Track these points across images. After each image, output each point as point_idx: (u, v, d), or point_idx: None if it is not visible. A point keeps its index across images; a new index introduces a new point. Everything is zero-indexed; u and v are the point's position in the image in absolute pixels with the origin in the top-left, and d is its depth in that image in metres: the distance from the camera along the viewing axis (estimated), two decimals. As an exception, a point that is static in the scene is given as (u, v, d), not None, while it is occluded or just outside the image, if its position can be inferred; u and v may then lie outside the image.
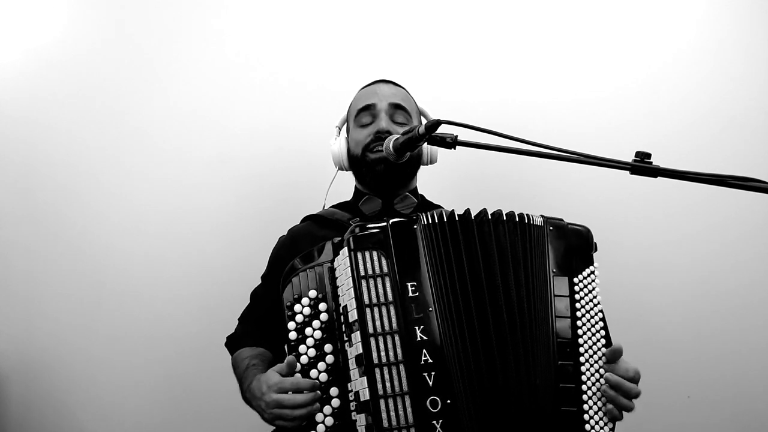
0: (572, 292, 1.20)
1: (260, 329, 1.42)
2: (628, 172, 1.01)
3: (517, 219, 1.19)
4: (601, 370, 1.17)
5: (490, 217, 1.18)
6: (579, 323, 1.18)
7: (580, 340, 1.17)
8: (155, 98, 1.97)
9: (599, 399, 1.16)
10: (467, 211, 1.17)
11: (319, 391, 1.11)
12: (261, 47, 2.00)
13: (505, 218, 1.18)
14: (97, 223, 1.92)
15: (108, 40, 1.99)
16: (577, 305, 1.19)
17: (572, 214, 2.00)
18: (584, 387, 1.15)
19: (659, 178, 1.01)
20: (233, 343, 1.45)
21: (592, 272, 1.23)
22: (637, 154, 1.01)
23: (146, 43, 1.99)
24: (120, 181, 1.94)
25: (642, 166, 1.00)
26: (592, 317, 1.20)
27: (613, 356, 1.18)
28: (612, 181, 1.89)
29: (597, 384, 1.16)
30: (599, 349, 1.19)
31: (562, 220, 1.26)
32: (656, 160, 1.00)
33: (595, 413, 1.15)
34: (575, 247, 1.23)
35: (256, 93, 1.98)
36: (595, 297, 1.22)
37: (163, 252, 1.92)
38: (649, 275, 1.93)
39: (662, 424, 1.87)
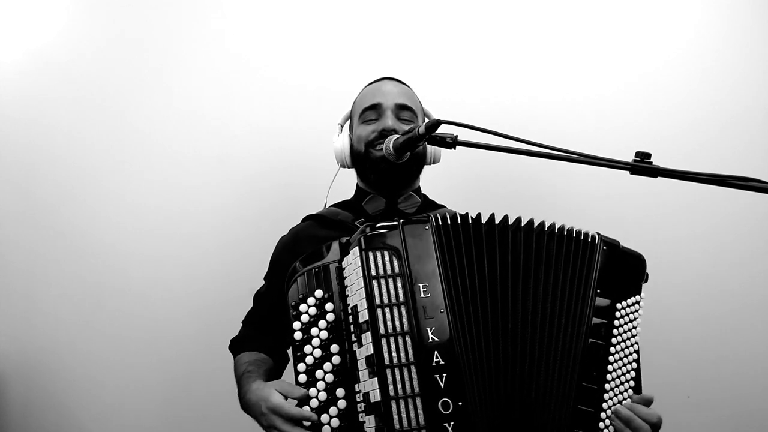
0: (612, 317, 1.16)
1: (262, 332, 1.41)
2: (628, 172, 1.00)
3: (560, 230, 1.17)
4: (626, 402, 1.15)
5: (523, 224, 1.16)
6: (612, 350, 1.15)
7: (610, 367, 1.15)
8: (155, 98, 1.97)
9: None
10: (492, 216, 1.16)
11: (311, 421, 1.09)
12: (261, 47, 2.00)
13: (536, 226, 1.17)
14: (97, 223, 1.92)
15: (108, 40, 1.99)
16: (615, 331, 1.16)
17: (572, 213, 2.00)
18: (603, 415, 1.13)
19: (659, 178, 1.00)
20: (235, 347, 1.44)
21: (637, 302, 1.20)
22: (637, 154, 1.01)
23: (147, 44, 1.99)
24: (120, 181, 1.94)
25: (642, 166, 1.00)
26: (627, 347, 1.17)
27: (642, 402, 1.16)
28: (612, 181, 1.89)
29: None
30: (627, 381, 1.16)
31: (618, 242, 1.22)
32: (656, 160, 1.00)
33: None
34: (624, 272, 1.20)
35: (257, 93, 1.98)
36: (634, 327, 1.18)
37: (162, 252, 1.92)
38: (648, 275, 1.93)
39: (662, 423, 1.87)
